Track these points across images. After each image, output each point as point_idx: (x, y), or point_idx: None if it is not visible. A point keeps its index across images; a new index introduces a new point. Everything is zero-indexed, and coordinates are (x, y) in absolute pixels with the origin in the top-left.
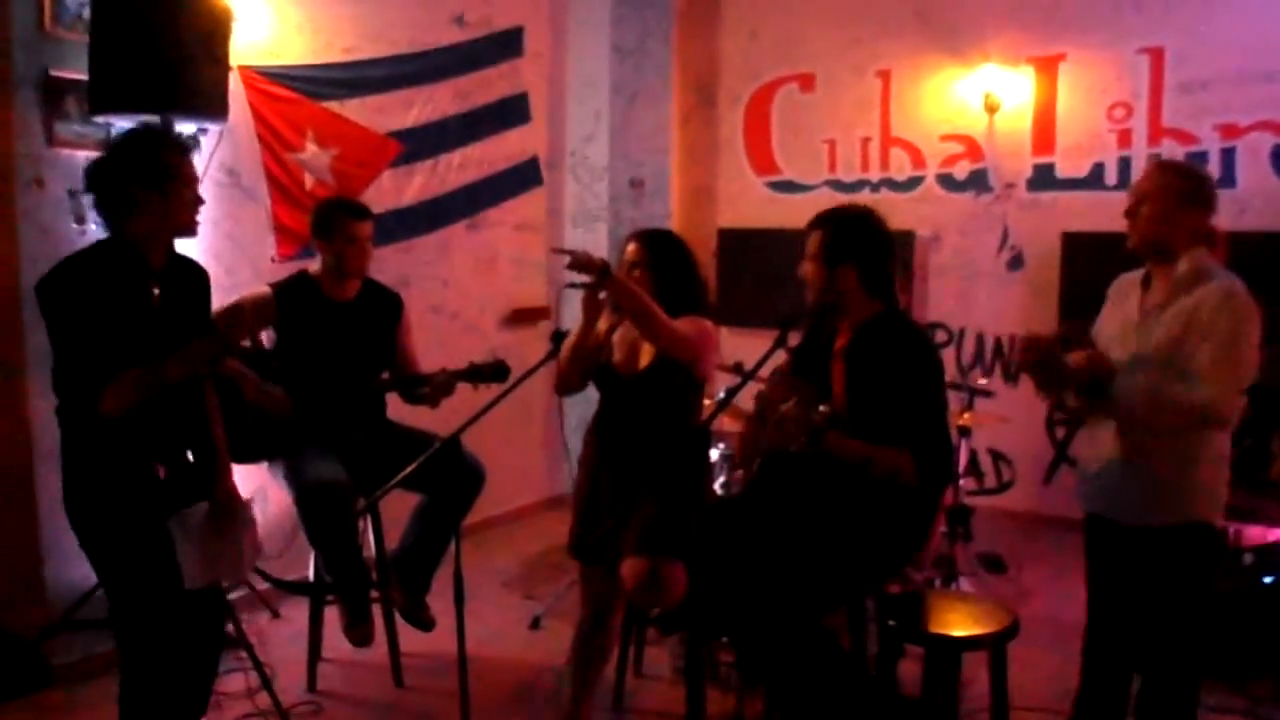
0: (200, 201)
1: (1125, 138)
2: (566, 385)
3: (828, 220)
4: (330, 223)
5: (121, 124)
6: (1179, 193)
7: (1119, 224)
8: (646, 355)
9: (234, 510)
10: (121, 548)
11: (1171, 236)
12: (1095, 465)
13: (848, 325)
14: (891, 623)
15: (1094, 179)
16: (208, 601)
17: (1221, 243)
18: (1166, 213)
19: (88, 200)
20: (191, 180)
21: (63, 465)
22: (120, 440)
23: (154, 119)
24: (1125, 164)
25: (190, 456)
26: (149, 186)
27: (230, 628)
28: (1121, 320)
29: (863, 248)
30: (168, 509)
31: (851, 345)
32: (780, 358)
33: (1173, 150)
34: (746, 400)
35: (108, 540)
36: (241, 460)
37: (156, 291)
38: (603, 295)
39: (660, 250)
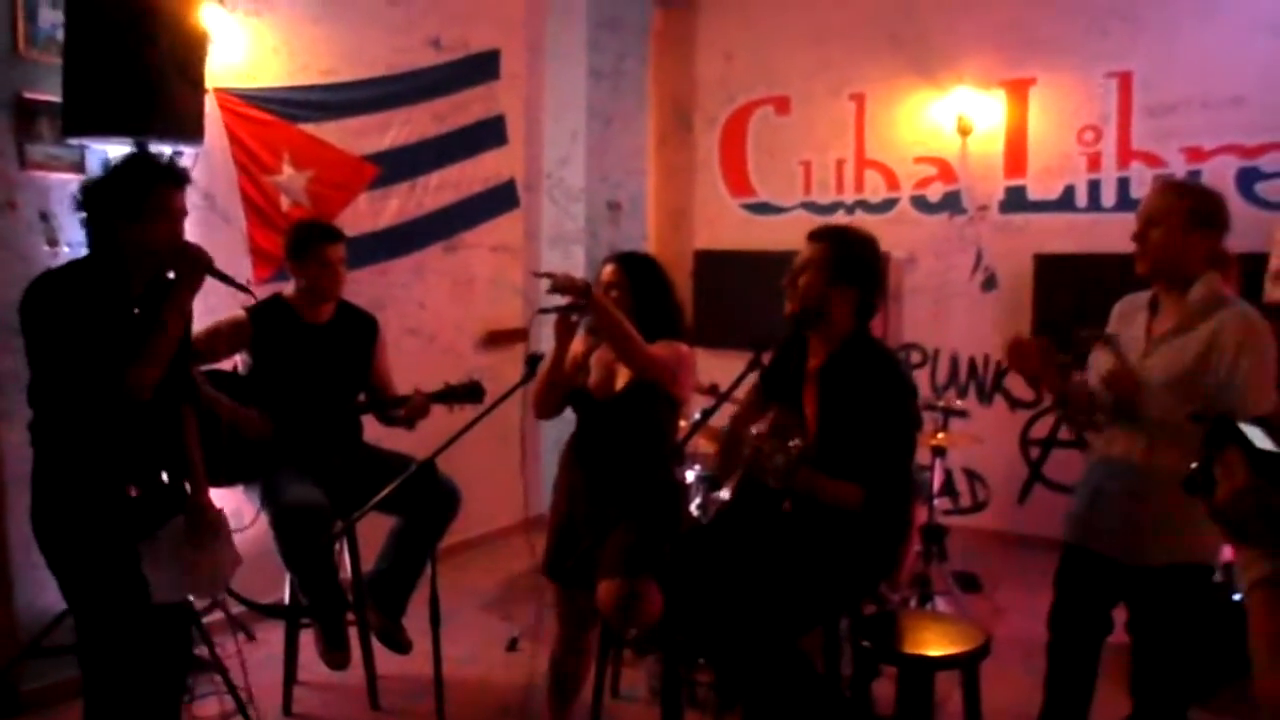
0: (177, 238)
1: (1095, 160)
2: (544, 410)
3: (836, 237)
4: (303, 246)
5: (96, 146)
6: (1189, 214)
7: (1090, 246)
8: (623, 378)
9: (211, 523)
10: (88, 566)
11: (1184, 261)
12: (1090, 499)
13: (822, 345)
14: (865, 643)
15: (1065, 201)
16: (174, 621)
17: (1233, 266)
18: (1177, 236)
19: (60, 223)
20: (172, 214)
21: (33, 482)
22: (95, 456)
23: (136, 143)
24: (1095, 186)
25: (164, 477)
26: (129, 218)
27: (205, 651)
28: (1127, 344)
29: (867, 274)
30: (138, 530)
31: (826, 367)
32: (753, 379)
33: (1141, 173)
34: (722, 421)
35: (74, 558)
36: (217, 483)
37: (137, 312)
38: (575, 318)
39: (638, 273)
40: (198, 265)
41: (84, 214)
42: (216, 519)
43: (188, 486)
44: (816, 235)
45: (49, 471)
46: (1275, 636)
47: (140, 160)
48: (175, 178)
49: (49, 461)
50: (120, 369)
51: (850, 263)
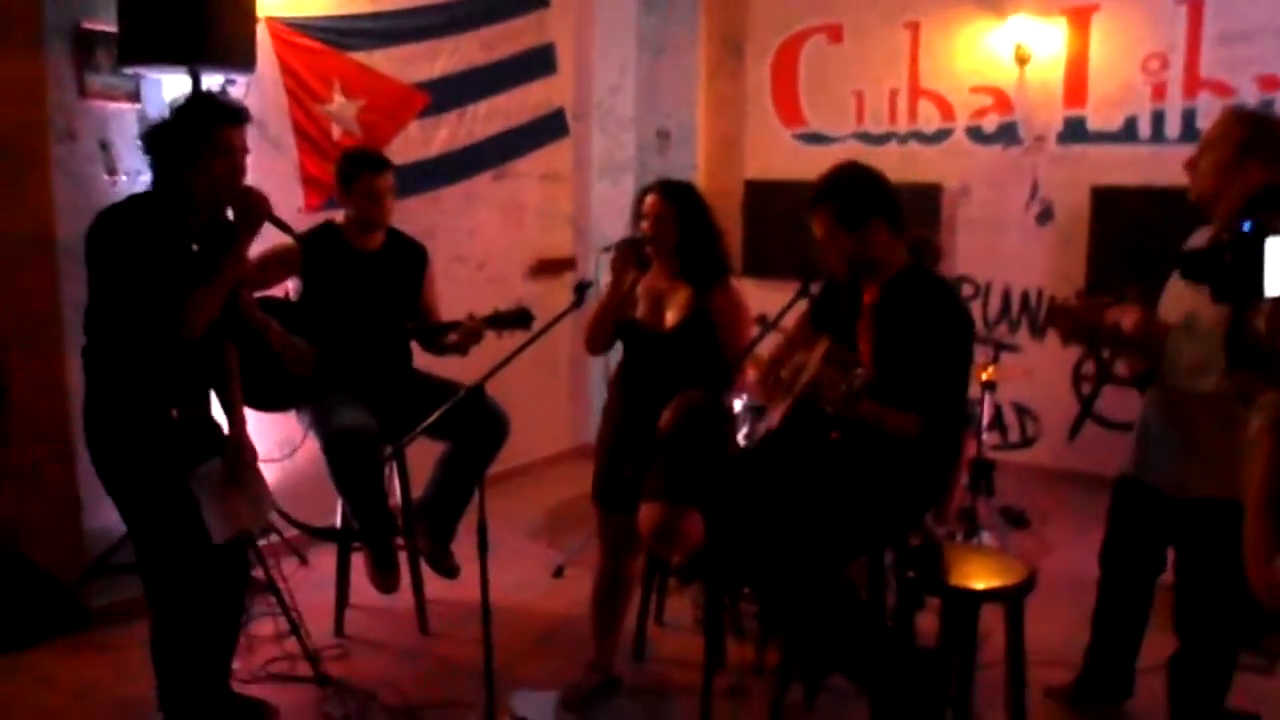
0: (236, 174)
1: (1160, 90)
2: (596, 344)
3: (827, 193)
4: (350, 176)
5: (151, 76)
6: (1242, 142)
7: (1150, 179)
8: (673, 313)
9: (248, 460)
10: (140, 489)
11: (1230, 192)
12: (1141, 430)
13: (876, 281)
14: (910, 574)
15: (1126, 133)
16: (231, 544)
17: None
18: (1227, 164)
19: (119, 152)
20: (232, 153)
21: (85, 407)
22: (143, 383)
23: (190, 71)
24: (1159, 118)
25: (209, 407)
26: (190, 160)
27: (260, 573)
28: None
29: (876, 199)
30: (186, 456)
31: (881, 302)
32: (802, 308)
33: (1209, 104)
34: (770, 350)
35: (127, 481)
36: (269, 408)
37: (196, 248)
38: (633, 252)
39: (682, 201)
40: (258, 212)
41: (150, 154)
42: (254, 455)
43: (224, 423)
44: (813, 203)
45: (99, 396)
46: (1273, 484)
47: (199, 101)
48: (234, 116)
49: (99, 386)
50: (177, 307)
51: (856, 203)
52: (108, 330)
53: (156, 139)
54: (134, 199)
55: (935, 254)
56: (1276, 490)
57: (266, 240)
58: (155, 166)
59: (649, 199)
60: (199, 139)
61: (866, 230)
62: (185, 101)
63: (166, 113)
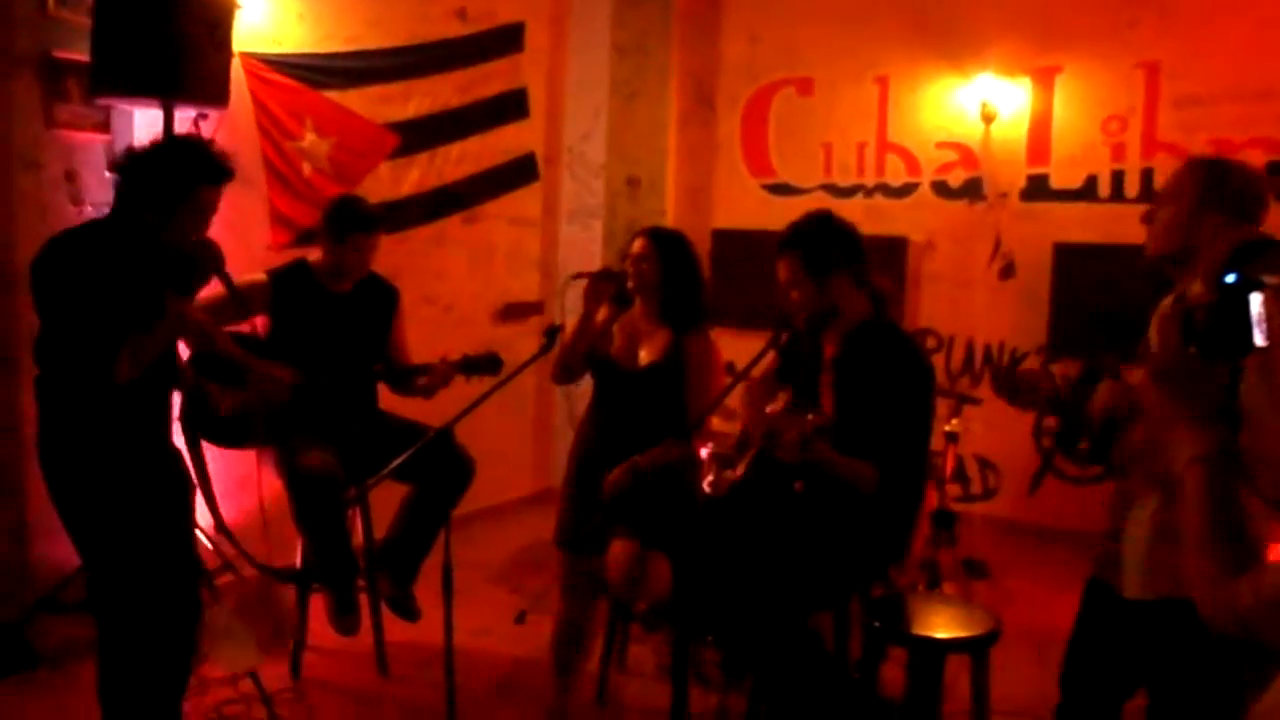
0: (202, 229)
1: (1119, 151)
2: (564, 374)
3: (797, 240)
4: (342, 230)
5: (122, 107)
6: (1203, 192)
7: (1110, 236)
8: (648, 353)
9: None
10: (99, 524)
11: (1192, 245)
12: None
13: (836, 333)
14: (875, 624)
15: (1087, 191)
16: (186, 577)
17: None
18: (1184, 217)
19: (85, 183)
20: (203, 211)
21: (39, 441)
22: (97, 412)
23: (164, 105)
24: (1118, 177)
25: (169, 438)
26: (162, 211)
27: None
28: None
29: (844, 251)
30: (146, 489)
31: (842, 354)
32: (770, 358)
33: (1165, 166)
34: (736, 400)
35: (85, 516)
36: (235, 445)
37: (152, 276)
38: (606, 284)
39: (668, 249)
40: (209, 263)
41: (119, 183)
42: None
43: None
44: (782, 248)
45: (53, 428)
46: (1208, 517)
47: (191, 152)
48: (219, 176)
49: (53, 418)
50: (112, 350)
51: (825, 253)
52: (57, 362)
53: (135, 174)
54: (87, 228)
55: (888, 300)
56: (1216, 518)
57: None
58: (123, 198)
59: (637, 242)
60: (179, 193)
61: (830, 280)
62: (177, 146)
63: (150, 147)
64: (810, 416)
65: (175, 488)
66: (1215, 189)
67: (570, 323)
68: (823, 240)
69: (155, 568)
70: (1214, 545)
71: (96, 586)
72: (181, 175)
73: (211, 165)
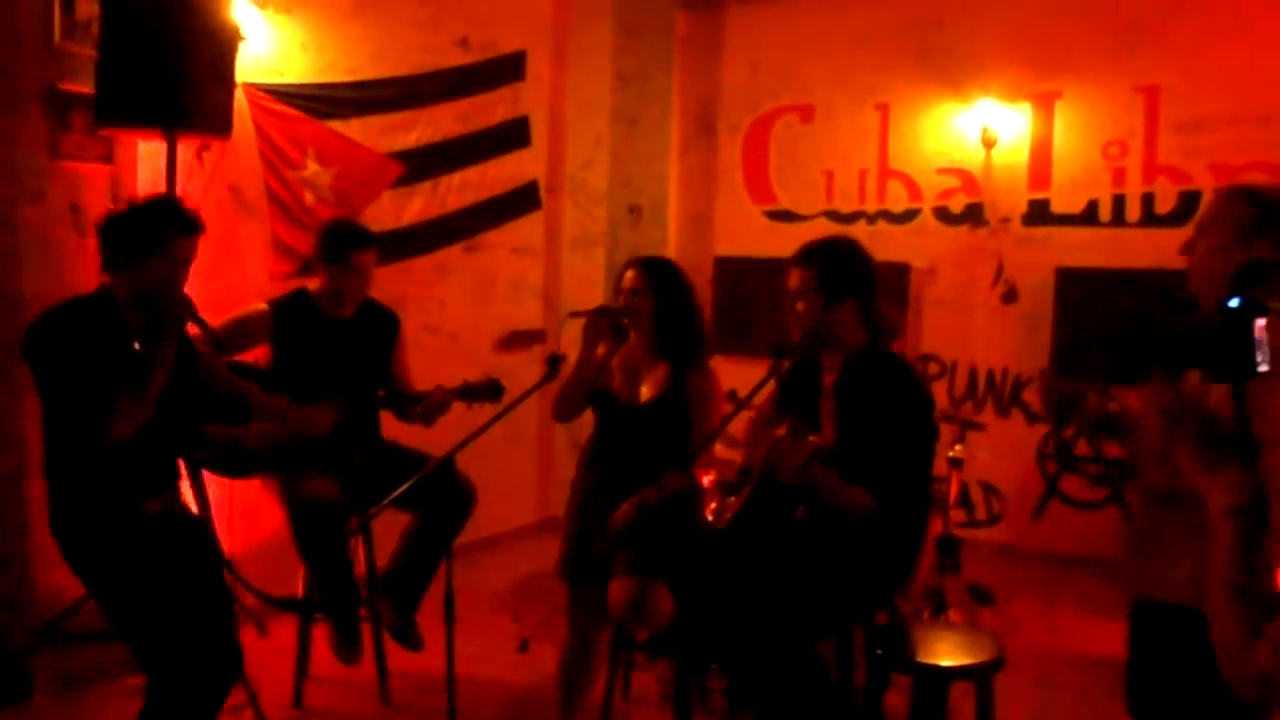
0: (175, 284)
1: (1120, 175)
2: (565, 412)
3: (818, 255)
4: (336, 250)
5: (126, 138)
6: (1243, 222)
7: (1113, 260)
8: (649, 388)
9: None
10: (124, 589)
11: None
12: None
13: (836, 360)
14: (879, 651)
15: (1088, 215)
16: (218, 628)
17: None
18: (1224, 246)
19: (89, 215)
20: (175, 260)
21: (52, 514)
22: (105, 478)
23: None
24: (1119, 201)
25: (179, 496)
26: (132, 256)
27: None
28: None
29: (860, 281)
30: (162, 549)
31: (841, 381)
32: (772, 386)
33: (1165, 190)
34: (738, 429)
35: (109, 583)
36: (238, 475)
37: (137, 346)
38: (604, 321)
39: (660, 279)
40: (180, 309)
41: (103, 246)
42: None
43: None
44: (801, 259)
45: (65, 498)
46: (1237, 573)
47: (161, 204)
48: (188, 226)
49: (63, 488)
50: (107, 414)
51: (841, 277)
52: (60, 433)
53: (111, 232)
54: (75, 302)
55: (891, 329)
56: (1241, 576)
57: (238, 305)
58: (105, 258)
59: (628, 274)
60: (152, 240)
61: (838, 304)
62: (149, 202)
63: (125, 208)
64: (812, 439)
65: (190, 543)
66: (1263, 217)
67: (570, 358)
68: (843, 263)
69: (184, 625)
70: (1239, 607)
71: (136, 648)
72: (154, 225)
73: (183, 217)
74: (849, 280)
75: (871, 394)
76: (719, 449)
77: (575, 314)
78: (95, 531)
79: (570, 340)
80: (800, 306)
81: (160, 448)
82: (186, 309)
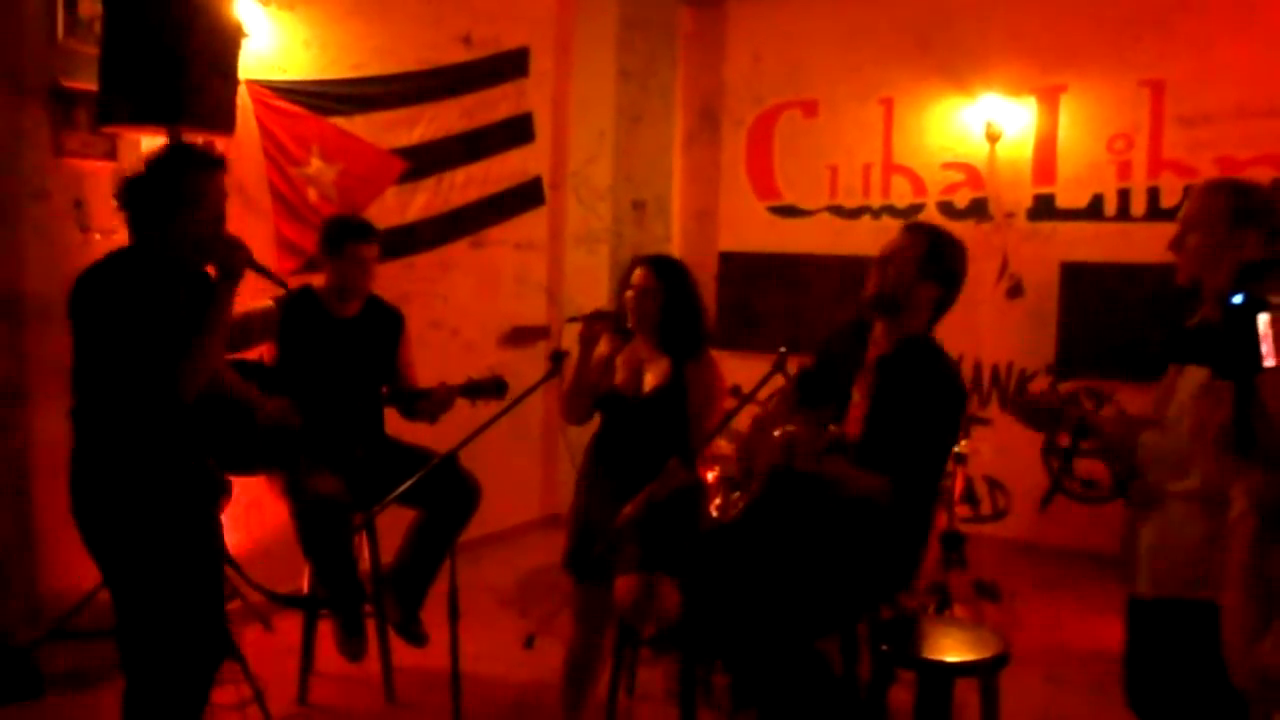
0: (215, 224)
1: (1125, 169)
2: (573, 415)
3: (933, 233)
4: (336, 243)
5: (129, 135)
6: (1233, 213)
7: (1118, 255)
8: (652, 378)
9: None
10: (136, 551)
11: (1225, 268)
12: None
13: (888, 336)
14: (884, 647)
15: (1093, 210)
16: (213, 610)
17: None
18: (1218, 239)
19: (92, 210)
20: (206, 200)
21: (74, 467)
22: (143, 438)
23: (170, 132)
24: (1124, 196)
25: (208, 457)
26: (171, 207)
27: None
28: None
29: (952, 276)
30: (189, 509)
31: (888, 359)
32: (778, 381)
33: (1171, 184)
34: (744, 423)
35: (121, 544)
36: (242, 472)
37: (183, 301)
38: (600, 325)
39: (669, 277)
40: (238, 256)
41: (128, 209)
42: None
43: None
44: (913, 228)
45: (93, 456)
46: (1249, 572)
47: (176, 150)
48: (208, 163)
49: (93, 447)
50: (172, 370)
51: (942, 260)
52: (102, 391)
53: (133, 194)
54: (114, 257)
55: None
56: (1259, 572)
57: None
58: (133, 222)
59: (638, 271)
60: (175, 190)
61: (922, 285)
62: (162, 152)
63: (141, 168)
64: (830, 428)
65: (209, 516)
66: (1247, 206)
67: (573, 363)
68: (948, 251)
69: (185, 597)
70: (1249, 605)
71: (124, 615)
72: (172, 172)
73: (197, 155)
74: (947, 267)
75: (913, 379)
76: (723, 444)
77: (573, 319)
78: (117, 487)
79: (574, 337)
80: (893, 267)
81: (193, 409)
82: (244, 255)
